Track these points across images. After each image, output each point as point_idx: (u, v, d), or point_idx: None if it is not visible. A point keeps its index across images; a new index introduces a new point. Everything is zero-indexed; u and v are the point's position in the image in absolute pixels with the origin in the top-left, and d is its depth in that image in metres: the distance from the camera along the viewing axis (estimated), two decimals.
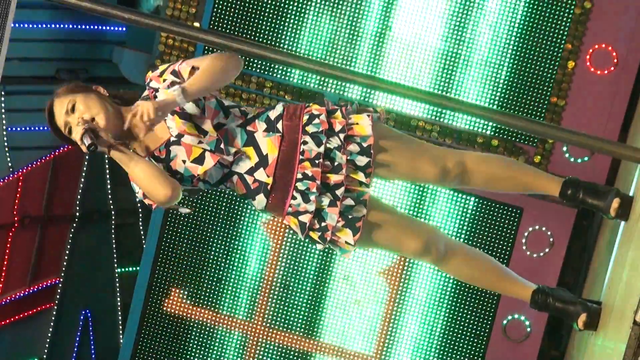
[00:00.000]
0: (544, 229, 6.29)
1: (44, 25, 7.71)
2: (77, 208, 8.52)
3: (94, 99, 4.07)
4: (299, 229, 4.15)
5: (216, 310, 6.62)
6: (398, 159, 4.24)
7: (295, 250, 6.52)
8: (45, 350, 8.58)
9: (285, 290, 6.56)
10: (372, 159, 4.13)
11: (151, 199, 4.05)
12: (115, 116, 4.08)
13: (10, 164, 7.97)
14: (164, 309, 6.67)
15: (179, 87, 3.98)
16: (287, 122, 4.14)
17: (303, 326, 6.58)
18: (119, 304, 8.59)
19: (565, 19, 6.15)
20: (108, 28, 7.96)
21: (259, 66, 6.45)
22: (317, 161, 4.09)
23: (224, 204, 6.55)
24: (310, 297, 6.55)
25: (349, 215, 4.14)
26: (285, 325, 6.58)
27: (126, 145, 4.08)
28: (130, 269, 8.60)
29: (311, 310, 6.57)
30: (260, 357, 6.61)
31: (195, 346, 6.67)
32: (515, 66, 6.23)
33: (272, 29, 6.40)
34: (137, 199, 4.19)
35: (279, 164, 4.12)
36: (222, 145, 4.06)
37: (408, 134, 6.29)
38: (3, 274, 8.16)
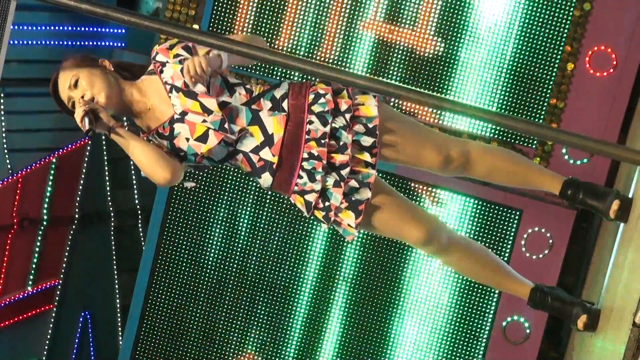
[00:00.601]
0: (543, 230, 6.29)
1: (43, 27, 7.71)
2: (77, 210, 8.52)
3: (97, 76, 4.08)
4: (304, 207, 4.14)
5: (215, 311, 6.62)
6: (402, 141, 4.23)
7: (295, 248, 6.52)
8: (45, 352, 8.58)
9: (285, 292, 6.56)
10: (377, 140, 4.13)
11: (152, 180, 4.05)
12: (118, 93, 4.09)
13: (9, 166, 7.97)
14: (163, 310, 6.66)
15: (217, 52, 3.99)
16: (292, 101, 4.13)
17: (303, 327, 6.58)
18: (118, 305, 8.59)
19: (564, 20, 6.16)
20: (107, 30, 7.96)
21: (258, 68, 6.45)
22: (323, 141, 4.08)
23: (224, 204, 6.55)
24: (310, 298, 6.55)
25: (352, 197, 4.13)
26: (285, 329, 6.58)
27: (126, 127, 4.09)
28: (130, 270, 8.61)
29: (310, 311, 6.57)
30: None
31: (194, 347, 6.66)
32: (514, 68, 6.23)
33: (271, 31, 6.40)
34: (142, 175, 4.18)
35: (285, 144, 4.11)
36: (226, 125, 4.05)
37: None
38: (2, 276, 8.16)
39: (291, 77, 6.43)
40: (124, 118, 4.28)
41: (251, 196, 6.52)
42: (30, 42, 7.62)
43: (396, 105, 6.33)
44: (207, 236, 6.57)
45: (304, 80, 4.22)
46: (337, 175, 4.09)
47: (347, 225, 4.17)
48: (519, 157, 4.48)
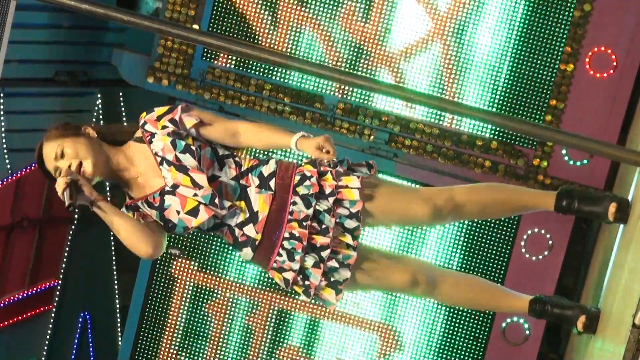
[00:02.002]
0: (542, 232, 6.29)
1: (43, 28, 7.70)
2: (76, 210, 8.50)
3: (83, 144, 4.08)
4: (282, 283, 4.22)
5: (214, 313, 6.62)
6: (390, 207, 4.28)
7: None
8: (44, 353, 8.56)
9: (286, 294, 6.56)
10: (360, 224, 4.17)
11: (133, 252, 4.10)
12: (104, 161, 4.10)
13: (8, 166, 7.96)
14: (163, 311, 6.66)
15: (104, 199, 4.01)
16: (279, 181, 4.17)
17: (303, 327, 6.57)
18: (117, 306, 8.58)
19: (564, 21, 6.15)
20: (107, 30, 7.95)
21: (257, 68, 6.45)
22: (304, 223, 4.13)
23: None
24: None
25: (331, 278, 4.19)
26: (285, 329, 6.58)
27: (108, 201, 4.10)
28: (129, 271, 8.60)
29: (310, 311, 6.56)
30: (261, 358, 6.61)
31: (193, 348, 6.66)
32: (514, 69, 6.23)
33: (271, 31, 6.39)
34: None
35: (268, 222, 4.16)
36: (216, 200, 4.08)
37: (406, 137, 6.29)
38: (1, 277, 8.15)
39: (290, 79, 6.43)
40: (107, 187, 4.31)
41: None
42: (30, 42, 7.61)
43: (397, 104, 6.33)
44: (207, 236, 6.57)
45: (291, 160, 4.27)
46: (317, 256, 4.15)
47: (328, 298, 4.23)
48: (505, 186, 4.50)
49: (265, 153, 6.16)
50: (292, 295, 6.54)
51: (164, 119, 4.14)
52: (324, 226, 4.15)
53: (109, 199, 4.16)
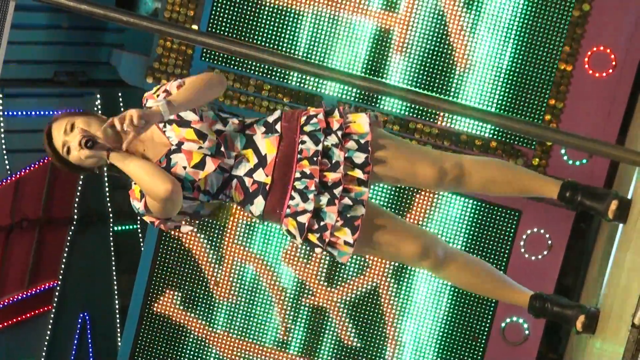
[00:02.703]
0: (542, 231, 6.29)
1: (43, 29, 7.71)
2: (75, 211, 8.52)
3: (94, 119, 4.10)
4: (297, 231, 4.13)
5: (213, 313, 6.62)
6: (396, 159, 4.23)
7: (295, 248, 6.51)
8: (43, 353, 8.57)
9: (285, 292, 6.56)
10: (369, 155, 4.13)
11: (153, 196, 4.04)
12: (113, 136, 4.09)
13: (8, 167, 7.97)
14: (162, 312, 6.66)
15: (163, 100, 3.99)
16: (285, 124, 4.15)
17: (303, 328, 6.58)
18: (117, 306, 8.59)
19: (563, 21, 6.16)
20: (106, 31, 7.95)
21: (257, 69, 6.45)
22: (315, 159, 4.09)
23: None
24: (308, 300, 6.55)
25: (347, 215, 4.13)
26: (286, 331, 6.58)
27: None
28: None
29: (310, 312, 6.56)
30: None
31: (192, 350, 6.66)
32: (513, 68, 6.23)
33: (270, 32, 6.40)
34: (138, 213, 4.19)
35: (278, 163, 4.12)
36: (222, 149, 4.07)
37: (406, 137, 6.29)
38: (1, 277, 8.15)
39: (290, 79, 6.43)
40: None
41: None
42: (29, 43, 7.61)
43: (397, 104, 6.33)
44: (208, 237, 6.57)
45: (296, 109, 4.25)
46: (330, 194, 4.10)
47: (343, 243, 4.16)
48: (514, 166, 4.49)
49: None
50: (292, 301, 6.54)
51: (159, 91, 4.16)
52: (334, 161, 4.11)
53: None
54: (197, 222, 4.30)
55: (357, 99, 6.37)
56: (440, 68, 6.29)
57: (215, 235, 6.57)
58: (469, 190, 4.42)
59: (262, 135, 4.14)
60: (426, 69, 6.30)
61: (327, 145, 4.12)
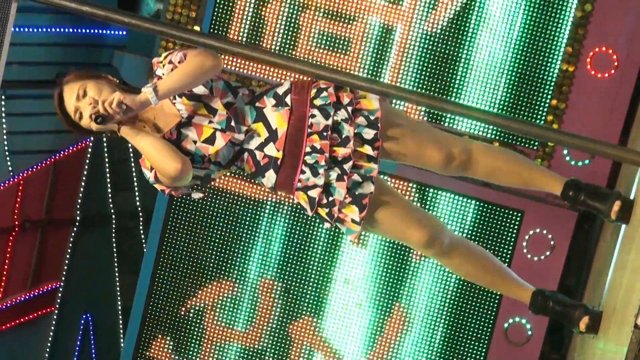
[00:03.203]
0: (544, 232, 6.29)
1: (44, 30, 7.71)
2: (78, 212, 8.52)
3: (104, 84, 4.10)
4: (308, 204, 4.14)
5: (214, 314, 6.63)
6: (404, 137, 4.23)
7: (296, 249, 6.51)
8: (46, 355, 8.57)
9: (286, 296, 6.56)
10: (379, 132, 4.13)
11: (162, 174, 4.05)
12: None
13: (10, 168, 7.97)
14: (165, 312, 6.66)
15: (151, 86, 4.00)
16: (295, 97, 4.15)
17: (304, 329, 6.58)
18: (119, 308, 8.59)
19: (565, 21, 6.15)
20: (108, 32, 7.96)
21: (258, 70, 6.45)
22: (325, 134, 4.09)
23: (226, 206, 6.54)
24: (310, 299, 6.55)
25: (355, 192, 4.13)
26: (287, 332, 6.58)
27: (135, 123, 4.10)
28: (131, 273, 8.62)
29: (311, 313, 6.56)
30: None
31: (195, 350, 6.66)
32: (515, 69, 6.23)
33: (271, 33, 6.40)
34: (150, 182, 4.18)
35: (288, 138, 4.12)
36: (232, 124, 4.07)
37: None
38: (3, 278, 8.16)
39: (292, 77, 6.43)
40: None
41: (253, 197, 6.52)
42: (31, 44, 7.61)
43: (396, 104, 6.33)
44: (209, 238, 6.57)
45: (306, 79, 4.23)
46: (340, 170, 4.10)
47: (350, 221, 4.16)
48: (521, 158, 4.49)
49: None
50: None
51: (165, 60, 4.15)
52: (343, 136, 4.11)
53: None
54: (208, 187, 4.32)
55: None
56: (442, 69, 6.29)
57: (217, 232, 6.57)
58: (474, 176, 4.41)
59: (272, 109, 4.14)
60: (428, 69, 6.30)
61: (336, 120, 4.12)
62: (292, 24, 6.38)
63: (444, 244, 4.32)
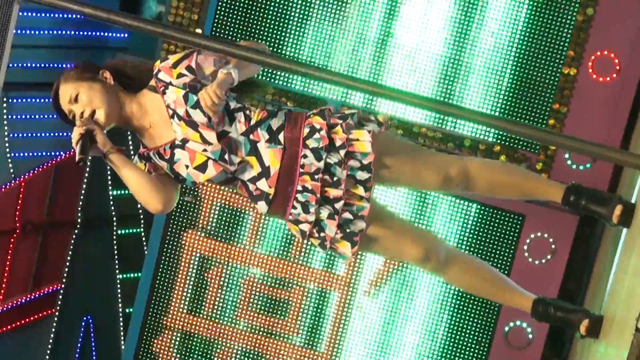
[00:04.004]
0: (546, 235, 6.28)
1: (46, 32, 7.71)
2: (79, 214, 8.53)
3: (97, 91, 4.08)
4: (299, 234, 4.19)
5: (217, 319, 6.62)
6: (400, 167, 4.24)
7: (297, 250, 6.51)
8: (47, 357, 8.57)
9: (287, 295, 6.56)
10: (372, 175, 4.15)
11: (144, 206, 4.10)
12: (117, 110, 4.09)
13: (12, 171, 7.97)
14: (166, 315, 6.66)
15: (232, 66, 4.03)
16: (287, 135, 4.15)
17: (305, 331, 6.57)
18: (120, 310, 8.59)
19: (567, 25, 6.15)
20: (110, 34, 7.96)
21: (261, 73, 6.45)
22: (316, 176, 4.11)
23: (226, 206, 6.54)
24: (311, 302, 6.54)
25: (347, 229, 4.16)
26: (288, 333, 6.58)
27: (122, 152, 4.09)
28: (132, 275, 8.61)
29: (312, 316, 6.56)
30: None
31: (196, 352, 6.66)
32: (517, 73, 6.23)
33: (274, 36, 6.40)
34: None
35: (281, 176, 4.14)
36: (226, 156, 4.07)
37: (410, 140, 6.29)
38: (4, 280, 8.16)
39: (294, 83, 6.43)
40: (127, 133, 4.27)
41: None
42: (33, 47, 7.62)
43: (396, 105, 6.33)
44: (209, 240, 6.57)
45: (300, 111, 4.23)
46: (331, 208, 4.13)
47: (343, 252, 4.20)
48: (519, 169, 4.50)
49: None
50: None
51: (180, 66, 4.12)
52: (335, 178, 4.13)
53: (128, 149, 4.16)
54: (197, 191, 4.32)
55: (361, 103, 6.37)
56: (443, 72, 6.29)
57: (218, 233, 6.57)
58: (476, 193, 4.42)
59: (265, 144, 4.14)
60: (430, 73, 6.30)
61: (329, 163, 4.13)
62: (294, 27, 6.38)
63: (440, 257, 4.33)
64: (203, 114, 4.07)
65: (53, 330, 8.57)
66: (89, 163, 4.07)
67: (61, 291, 8.54)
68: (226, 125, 4.12)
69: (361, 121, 4.21)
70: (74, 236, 8.51)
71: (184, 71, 4.11)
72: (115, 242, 8.66)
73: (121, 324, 8.54)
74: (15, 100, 7.76)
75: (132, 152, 4.17)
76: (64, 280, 8.54)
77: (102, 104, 4.05)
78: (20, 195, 8.12)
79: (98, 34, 7.94)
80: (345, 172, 4.12)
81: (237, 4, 6.40)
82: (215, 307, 6.62)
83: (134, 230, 8.68)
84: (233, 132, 4.12)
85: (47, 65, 7.80)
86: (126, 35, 7.86)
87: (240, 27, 6.42)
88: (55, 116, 4.26)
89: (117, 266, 8.62)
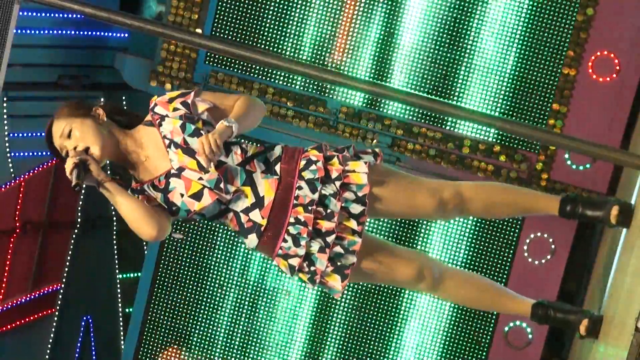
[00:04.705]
0: (545, 236, 6.28)
1: (47, 32, 7.72)
2: (79, 214, 8.53)
3: (90, 127, 4.07)
4: (288, 270, 4.19)
5: (216, 316, 6.63)
6: (395, 197, 4.26)
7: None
8: (47, 356, 8.57)
9: (289, 296, 6.56)
10: (366, 208, 4.16)
11: (136, 233, 4.09)
12: (111, 145, 4.09)
13: (12, 170, 7.98)
14: (166, 314, 6.66)
15: (233, 120, 4.01)
16: (284, 166, 4.15)
17: (306, 331, 6.58)
18: (120, 310, 8.59)
19: (567, 25, 6.16)
20: (110, 34, 7.97)
21: (261, 72, 6.45)
22: (310, 207, 4.11)
23: None
24: (312, 302, 6.55)
25: (337, 262, 4.17)
26: (288, 334, 6.58)
27: (116, 181, 4.09)
28: (132, 275, 8.61)
29: (313, 315, 6.56)
30: None
31: (196, 352, 6.66)
32: (517, 73, 6.23)
33: (274, 35, 6.40)
34: None
35: (274, 207, 4.14)
36: (222, 185, 4.07)
37: (410, 141, 6.30)
38: (4, 280, 8.16)
39: (293, 83, 6.43)
40: (112, 169, 4.27)
41: None
42: (33, 47, 7.62)
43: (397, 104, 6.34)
44: (210, 240, 6.57)
45: (297, 146, 4.24)
46: (323, 241, 4.13)
47: (333, 286, 4.21)
48: (512, 187, 4.51)
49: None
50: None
51: (176, 101, 4.14)
52: (329, 211, 4.13)
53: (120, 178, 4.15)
54: (189, 225, 4.33)
55: (361, 103, 6.37)
56: (444, 72, 6.29)
57: (218, 234, 6.58)
58: (472, 215, 4.44)
59: (261, 175, 4.14)
60: (430, 73, 6.30)
61: (324, 194, 4.14)
62: (294, 27, 6.38)
63: (433, 274, 4.35)
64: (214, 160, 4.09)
65: (53, 330, 8.57)
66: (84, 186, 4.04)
67: (61, 291, 8.55)
68: (222, 156, 4.13)
69: (358, 154, 4.23)
70: (73, 236, 8.51)
71: (179, 106, 4.13)
72: (115, 242, 8.67)
73: (121, 323, 8.55)
74: (15, 100, 7.76)
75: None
76: (63, 280, 8.54)
77: (95, 140, 4.06)
78: (20, 195, 8.12)
79: (98, 33, 7.94)
80: (339, 204, 4.13)
81: (237, 4, 6.41)
82: (215, 303, 6.62)
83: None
84: (229, 162, 4.13)
85: (47, 65, 7.80)
86: (126, 35, 7.86)
87: (240, 26, 6.43)
88: None
89: (117, 266, 8.63)
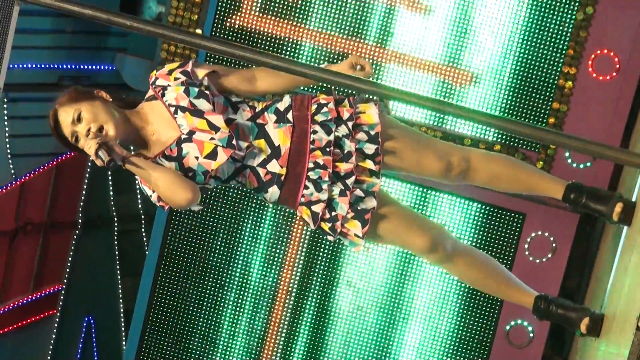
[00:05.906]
0: (546, 234, 6.29)
1: (46, 32, 7.72)
2: (80, 215, 8.53)
3: (99, 107, 4.07)
4: (311, 219, 4.15)
5: (218, 308, 6.63)
6: (404, 148, 4.25)
7: (298, 252, 6.52)
8: (49, 357, 8.58)
9: (289, 296, 6.57)
10: (379, 146, 4.15)
11: (172, 204, 4.05)
12: (122, 121, 4.08)
13: (12, 171, 7.98)
14: (167, 315, 6.66)
15: (136, 154, 4.00)
16: (296, 113, 4.16)
17: (306, 331, 6.58)
18: (121, 310, 8.60)
19: (567, 24, 6.16)
20: (110, 35, 7.97)
21: None
22: (327, 149, 4.11)
23: (227, 207, 6.55)
24: (313, 302, 6.55)
25: (358, 207, 4.14)
26: (289, 334, 6.59)
27: (139, 155, 4.08)
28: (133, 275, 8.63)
29: (314, 315, 6.57)
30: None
31: (197, 352, 6.66)
32: (517, 72, 6.23)
33: (274, 36, 6.40)
34: (152, 200, 4.16)
35: (291, 154, 4.13)
36: (233, 141, 4.06)
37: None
38: (6, 281, 8.17)
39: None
40: (131, 147, 4.24)
41: (254, 201, 6.52)
42: (33, 48, 7.63)
43: (397, 110, 6.34)
44: (210, 240, 6.57)
45: (306, 93, 4.24)
46: (343, 185, 4.12)
47: (353, 235, 4.18)
48: (521, 163, 4.49)
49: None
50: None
51: (176, 72, 4.13)
52: (345, 152, 4.13)
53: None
54: (205, 198, 4.30)
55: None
56: (443, 71, 6.29)
57: (219, 234, 6.58)
58: (475, 184, 4.43)
59: (273, 125, 4.14)
60: (429, 72, 6.30)
61: (338, 136, 4.14)
62: (295, 27, 6.38)
63: (446, 249, 4.33)
64: (207, 102, 4.07)
65: (54, 330, 8.58)
66: (111, 164, 4.00)
67: (62, 291, 8.55)
68: (231, 114, 4.13)
69: (367, 100, 4.24)
70: (74, 237, 8.51)
71: (179, 75, 4.13)
72: (116, 242, 8.67)
73: (122, 324, 8.55)
74: (16, 101, 7.77)
75: None
76: (65, 280, 8.55)
77: (108, 118, 4.04)
78: (21, 196, 8.12)
79: (98, 34, 7.94)
80: (354, 145, 4.13)
81: (237, 4, 6.41)
82: (216, 304, 6.63)
83: (135, 230, 8.69)
84: (239, 118, 4.13)
85: (47, 65, 7.81)
86: (126, 35, 7.87)
87: (240, 27, 6.43)
88: None
89: (118, 266, 8.63)
